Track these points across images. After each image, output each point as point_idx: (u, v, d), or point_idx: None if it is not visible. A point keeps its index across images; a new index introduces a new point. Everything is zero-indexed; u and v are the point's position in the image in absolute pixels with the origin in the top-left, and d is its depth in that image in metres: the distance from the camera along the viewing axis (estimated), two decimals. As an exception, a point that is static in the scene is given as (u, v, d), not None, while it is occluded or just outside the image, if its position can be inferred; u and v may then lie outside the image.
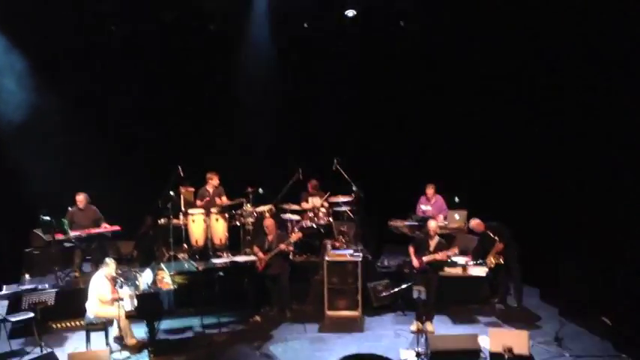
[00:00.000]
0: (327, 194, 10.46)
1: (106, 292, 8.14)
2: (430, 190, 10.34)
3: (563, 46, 9.30)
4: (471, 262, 9.32)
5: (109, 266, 8.24)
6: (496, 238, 9.00)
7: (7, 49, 10.13)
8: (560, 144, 9.53)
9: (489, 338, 7.36)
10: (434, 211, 10.28)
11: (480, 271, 9.32)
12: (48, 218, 9.25)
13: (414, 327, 8.38)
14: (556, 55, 9.45)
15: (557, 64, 9.45)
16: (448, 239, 9.53)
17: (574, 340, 7.91)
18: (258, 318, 9.07)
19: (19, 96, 10.21)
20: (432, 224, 8.90)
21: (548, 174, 9.75)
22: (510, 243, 9.00)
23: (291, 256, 9.59)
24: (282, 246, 9.09)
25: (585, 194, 8.95)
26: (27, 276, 9.19)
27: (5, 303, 8.07)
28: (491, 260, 9.00)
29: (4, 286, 8.89)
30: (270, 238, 9.30)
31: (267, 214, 10.25)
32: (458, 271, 9.41)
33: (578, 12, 8.85)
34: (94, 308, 8.11)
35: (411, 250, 8.89)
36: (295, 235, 9.33)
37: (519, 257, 9.01)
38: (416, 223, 9.99)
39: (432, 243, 8.83)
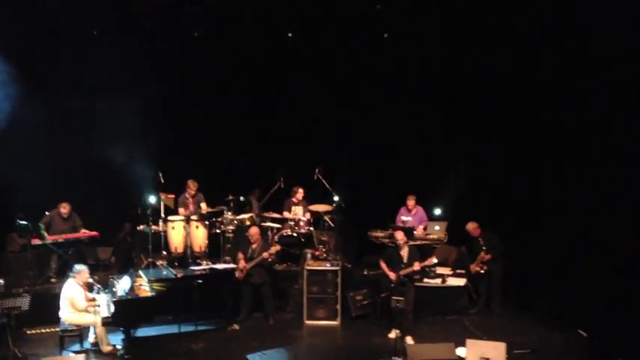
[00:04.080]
0: (306, 204, 10.48)
1: (79, 300, 8.03)
2: (411, 201, 10.37)
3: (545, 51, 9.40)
4: (450, 272, 9.40)
5: (81, 273, 8.12)
6: (484, 248, 9.07)
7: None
8: (544, 154, 9.64)
9: (467, 349, 7.38)
10: (414, 221, 10.32)
11: (459, 282, 9.39)
12: (25, 222, 9.14)
13: (392, 334, 8.39)
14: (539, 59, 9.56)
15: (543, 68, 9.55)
16: (427, 250, 9.60)
17: (551, 351, 7.97)
18: (236, 326, 9.03)
19: (1, 105, 10.10)
20: (398, 235, 8.81)
21: (528, 184, 9.86)
22: (498, 258, 9.10)
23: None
24: (265, 254, 9.08)
25: (565, 203, 9.05)
26: (1, 281, 9.00)
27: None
28: (475, 269, 9.12)
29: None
30: (254, 246, 9.29)
31: (247, 223, 10.23)
32: (437, 281, 9.44)
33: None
34: (67, 316, 8.01)
35: (383, 264, 8.78)
36: (274, 248, 9.31)
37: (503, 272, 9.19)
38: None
39: (404, 253, 8.71)
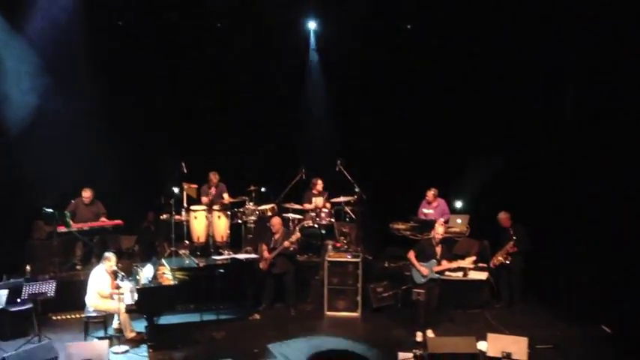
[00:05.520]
0: (326, 195, 10.48)
1: (105, 286, 8.16)
2: (431, 194, 10.27)
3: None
4: (472, 266, 9.32)
5: (110, 260, 8.27)
6: (514, 238, 9.04)
7: (20, 51, 10.13)
8: (564, 148, 9.53)
9: (488, 343, 7.35)
10: (436, 214, 10.25)
11: (481, 276, 9.33)
12: (51, 210, 9.31)
13: (419, 337, 8.19)
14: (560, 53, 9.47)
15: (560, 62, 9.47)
16: (450, 244, 9.55)
17: (573, 347, 7.89)
18: (257, 315, 9.11)
19: (28, 97, 10.26)
20: (438, 229, 8.55)
21: (550, 178, 9.75)
22: (522, 252, 9.06)
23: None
24: (287, 243, 9.11)
25: (587, 197, 8.94)
26: (28, 267, 9.18)
27: (5, 293, 8.06)
28: (498, 259, 9.06)
29: (5, 276, 8.93)
30: (276, 237, 9.32)
31: (268, 213, 10.28)
32: (458, 275, 9.37)
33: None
34: (93, 302, 8.15)
35: (412, 256, 8.50)
36: (295, 236, 9.33)
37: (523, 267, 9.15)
38: (417, 225, 9.98)
39: (439, 250, 8.52)
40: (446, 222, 10.11)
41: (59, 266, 9.52)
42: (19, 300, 8.08)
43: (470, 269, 9.33)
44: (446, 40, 10.70)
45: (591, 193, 8.93)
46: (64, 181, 10.14)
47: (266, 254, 9.21)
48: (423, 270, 8.41)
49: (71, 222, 9.52)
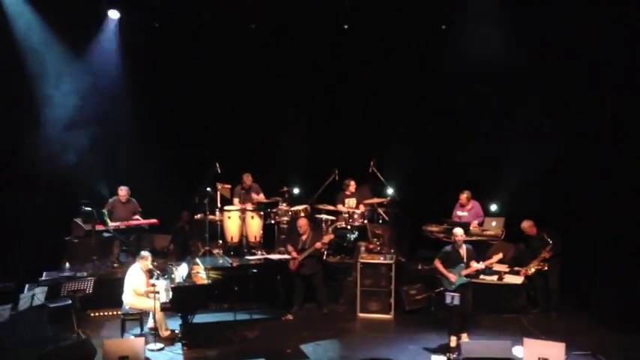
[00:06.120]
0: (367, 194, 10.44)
1: (140, 285, 8.29)
2: (464, 196, 10.14)
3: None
4: (507, 269, 9.18)
5: (146, 259, 8.39)
6: (550, 242, 8.87)
7: (63, 54, 10.40)
8: (598, 150, 9.34)
9: (524, 348, 7.23)
10: (470, 217, 10.13)
11: (516, 280, 9.18)
12: (89, 209, 9.50)
13: (453, 342, 8.04)
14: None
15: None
16: (484, 247, 9.43)
17: (612, 353, 7.71)
18: (290, 316, 9.14)
19: (67, 98, 10.55)
20: (457, 231, 8.36)
21: (590, 181, 9.55)
22: (558, 256, 8.90)
23: (324, 257, 9.62)
24: (318, 244, 9.12)
25: (626, 199, 8.73)
26: (67, 264, 9.39)
27: (45, 289, 8.24)
28: (531, 269, 8.88)
29: (45, 273, 9.15)
30: (303, 237, 9.35)
31: (301, 214, 10.30)
32: (493, 278, 9.26)
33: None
34: (129, 299, 8.29)
35: (438, 263, 8.35)
36: (327, 237, 9.35)
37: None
38: (450, 227, 9.87)
39: (463, 252, 8.35)
40: (480, 224, 10.02)
41: (97, 264, 9.70)
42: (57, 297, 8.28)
43: (505, 273, 9.22)
44: (471, 43, 10.59)
45: (631, 194, 8.70)
46: (101, 180, 10.37)
47: (294, 254, 9.24)
48: (451, 277, 8.28)
49: (109, 220, 9.70)
